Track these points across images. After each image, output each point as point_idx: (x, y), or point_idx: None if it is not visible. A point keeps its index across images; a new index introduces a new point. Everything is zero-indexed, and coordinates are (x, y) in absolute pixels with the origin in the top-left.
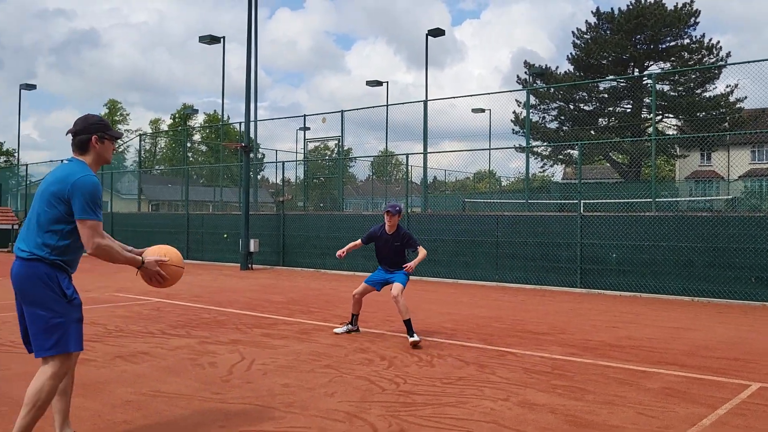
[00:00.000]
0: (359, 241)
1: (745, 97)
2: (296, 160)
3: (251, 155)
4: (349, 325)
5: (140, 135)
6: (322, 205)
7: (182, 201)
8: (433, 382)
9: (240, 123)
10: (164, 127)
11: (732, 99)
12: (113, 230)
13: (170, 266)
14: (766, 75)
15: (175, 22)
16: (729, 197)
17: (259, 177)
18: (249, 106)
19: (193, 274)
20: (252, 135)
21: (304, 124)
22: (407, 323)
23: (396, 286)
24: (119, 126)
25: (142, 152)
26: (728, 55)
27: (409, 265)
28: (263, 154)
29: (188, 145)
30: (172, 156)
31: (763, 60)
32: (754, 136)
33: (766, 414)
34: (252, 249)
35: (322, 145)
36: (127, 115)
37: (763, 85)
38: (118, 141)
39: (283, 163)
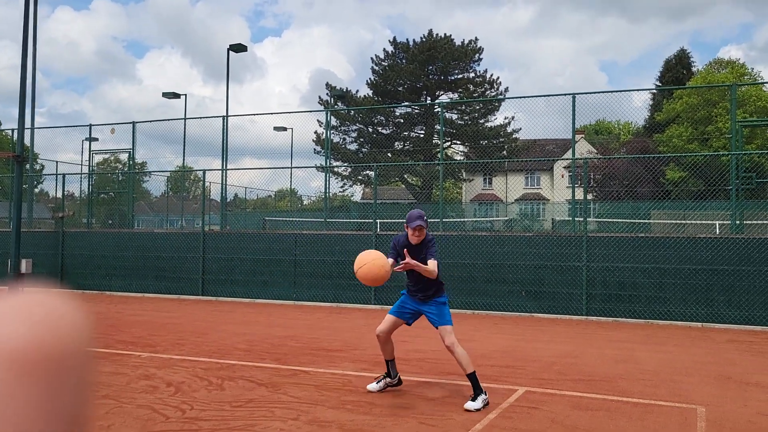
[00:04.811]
0: (390, 260)
1: (520, 129)
2: (81, 173)
3: (26, 166)
4: (387, 378)
5: None
6: (110, 222)
7: None
8: (222, 406)
9: (13, 130)
10: None
11: (509, 129)
12: None
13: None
14: (536, 110)
15: None
16: (506, 218)
17: (36, 190)
18: (23, 111)
19: None
20: (27, 143)
21: (90, 134)
22: (471, 379)
23: (445, 331)
24: None
25: None
26: (506, 89)
27: (409, 258)
28: (42, 166)
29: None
30: None
31: (534, 96)
32: (527, 164)
33: (529, 415)
34: (23, 270)
35: (112, 158)
36: None
37: (534, 118)
38: None
39: (64, 175)
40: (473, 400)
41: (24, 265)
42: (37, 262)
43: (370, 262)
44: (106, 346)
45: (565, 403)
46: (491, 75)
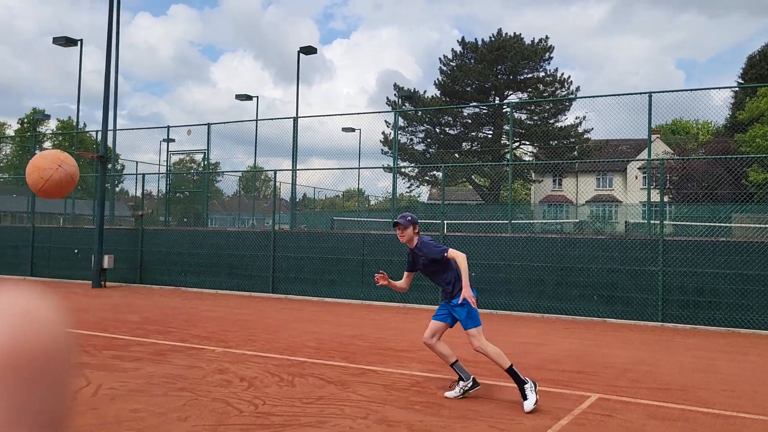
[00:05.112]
0: (405, 273)
1: (592, 129)
2: (158, 173)
3: (109, 166)
4: (461, 382)
5: None
6: (185, 220)
7: (28, 213)
8: (293, 402)
9: (97, 131)
10: (10, 132)
11: (580, 130)
12: None
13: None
14: (609, 109)
15: (23, 20)
16: (577, 220)
17: (117, 189)
18: (107, 114)
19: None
20: (110, 144)
21: (168, 136)
22: (511, 373)
23: (470, 335)
24: None
25: None
26: (577, 89)
27: (463, 297)
28: (123, 166)
29: (37, 152)
30: (18, 164)
31: (607, 95)
32: (599, 165)
33: (602, 423)
34: (106, 265)
35: (187, 158)
36: None
37: (606, 118)
38: None
39: (144, 175)
40: (525, 398)
41: (106, 261)
42: (118, 257)
43: (33, 159)
44: (182, 341)
45: (641, 412)
46: (562, 74)
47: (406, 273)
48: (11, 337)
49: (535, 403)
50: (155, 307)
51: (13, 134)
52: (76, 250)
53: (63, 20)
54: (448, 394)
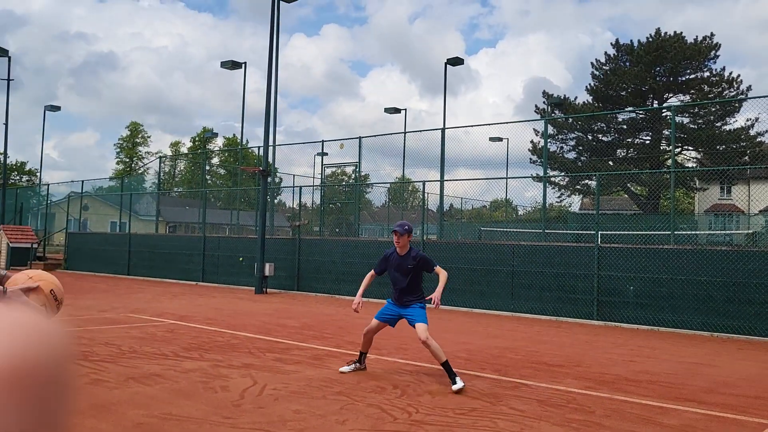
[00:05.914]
0: (372, 272)
1: (766, 131)
2: (313, 185)
3: (269, 179)
4: (356, 364)
5: (160, 157)
6: (337, 230)
7: (199, 223)
8: (446, 412)
9: (258, 147)
10: (184, 149)
11: (752, 133)
12: (130, 251)
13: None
14: None
15: (194, 47)
16: (749, 231)
17: (275, 201)
18: (268, 131)
19: (207, 297)
20: (270, 159)
21: (322, 150)
22: (445, 367)
23: (420, 328)
24: (140, 148)
25: (162, 174)
26: (748, 88)
27: (434, 297)
28: (280, 179)
29: (207, 168)
30: (190, 178)
31: None
32: None
33: None
34: (267, 273)
35: (339, 171)
36: (149, 137)
37: None
38: (139, 162)
39: (300, 188)
40: (454, 383)
41: (268, 269)
42: (277, 266)
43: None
44: (338, 346)
45: None
46: (730, 73)
47: (373, 274)
48: (18, 353)
49: (461, 389)
50: (312, 313)
51: (187, 151)
52: (240, 258)
53: (228, 46)
54: (343, 369)
